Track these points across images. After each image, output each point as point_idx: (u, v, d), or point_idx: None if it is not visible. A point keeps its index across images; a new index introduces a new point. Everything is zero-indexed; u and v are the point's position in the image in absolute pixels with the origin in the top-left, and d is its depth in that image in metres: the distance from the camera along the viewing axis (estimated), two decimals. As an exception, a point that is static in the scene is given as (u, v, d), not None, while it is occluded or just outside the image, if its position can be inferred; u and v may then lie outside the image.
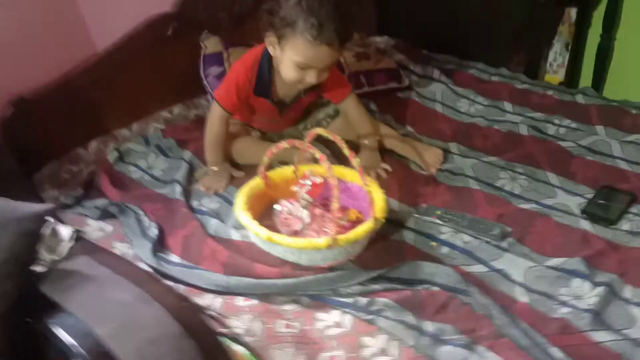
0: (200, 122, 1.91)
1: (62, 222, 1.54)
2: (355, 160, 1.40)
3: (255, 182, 1.57)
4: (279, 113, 1.81)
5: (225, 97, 1.72)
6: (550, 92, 2.12)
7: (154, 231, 1.54)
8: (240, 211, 1.44)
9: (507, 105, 2.07)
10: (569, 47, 2.51)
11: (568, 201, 1.58)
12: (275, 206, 1.55)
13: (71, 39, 1.87)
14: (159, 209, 1.67)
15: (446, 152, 1.85)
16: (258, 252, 1.44)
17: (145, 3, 1.97)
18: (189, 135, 1.95)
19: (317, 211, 1.54)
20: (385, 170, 1.76)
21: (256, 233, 1.39)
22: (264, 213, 1.58)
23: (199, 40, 2.09)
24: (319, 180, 1.54)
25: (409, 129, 2.00)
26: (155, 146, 1.93)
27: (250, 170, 1.74)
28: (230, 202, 1.68)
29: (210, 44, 2.09)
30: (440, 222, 1.55)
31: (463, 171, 1.76)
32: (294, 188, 1.56)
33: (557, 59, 2.58)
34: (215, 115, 1.74)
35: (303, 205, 1.52)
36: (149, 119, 2.03)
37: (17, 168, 1.66)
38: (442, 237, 1.51)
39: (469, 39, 2.43)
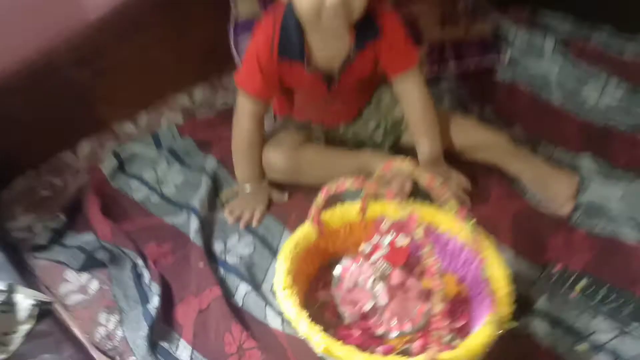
0: (229, 113, 1.37)
1: (26, 277, 1.07)
2: (469, 224, 0.87)
3: (305, 232, 1.06)
4: (327, 87, 1.26)
5: (247, 78, 1.21)
6: None
7: (155, 301, 1.05)
8: (284, 294, 0.93)
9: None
10: None
11: None
12: (336, 271, 1.04)
13: (54, 4, 1.33)
14: (166, 254, 1.17)
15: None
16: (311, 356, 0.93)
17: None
18: (214, 134, 1.43)
19: (396, 278, 1.02)
20: (465, 191, 1.24)
21: (307, 336, 0.88)
22: (320, 276, 1.07)
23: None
24: (403, 241, 1.01)
25: (518, 129, 1.42)
26: (168, 150, 1.42)
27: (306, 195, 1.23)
28: (269, 246, 1.17)
29: (244, 5, 1.53)
30: (588, 303, 1.01)
31: (607, 207, 1.20)
32: (364, 248, 1.04)
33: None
34: (242, 110, 1.24)
35: (378, 276, 1.00)
36: (162, 108, 1.50)
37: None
38: (597, 336, 0.97)
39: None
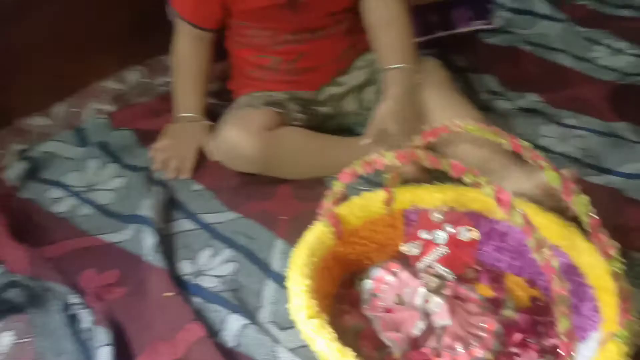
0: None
1: None
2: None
3: (319, 235, 0.74)
4: (292, 9, 0.97)
5: None
6: None
7: (103, 355, 0.70)
8: (311, 325, 0.62)
9: (674, 55, 1.28)
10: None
11: None
12: (367, 283, 0.74)
13: None
14: (112, 286, 0.83)
15: (614, 137, 1.06)
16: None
17: None
18: (158, 122, 1.09)
19: (449, 288, 0.73)
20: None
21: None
22: (341, 295, 0.77)
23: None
24: (469, 235, 0.72)
25: (534, 97, 1.18)
26: (98, 145, 1.06)
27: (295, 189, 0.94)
28: (256, 261, 0.85)
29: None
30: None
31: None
32: (408, 248, 0.74)
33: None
34: (178, 34, 1.06)
35: (432, 288, 0.70)
36: (83, 96, 1.14)
37: None
38: None
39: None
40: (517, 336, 0.71)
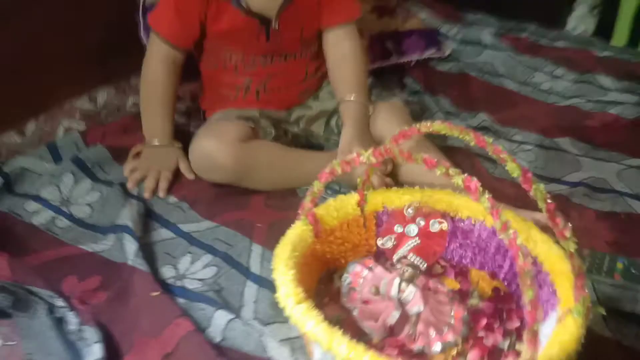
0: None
1: None
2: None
3: (300, 233, 0.79)
4: (265, 35, 1.05)
5: (160, 17, 1.04)
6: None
7: (95, 352, 0.72)
8: (299, 310, 0.66)
9: (605, 80, 1.41)
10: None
11: None
12: (345, 277, 0.79)
13: None
14: (95, 291, 0.85)
15: (558, 151, 1.17)
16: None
17: None
18: (131, 139, 1.12)
19: (420, 280, 0.79)
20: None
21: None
22: (320, 290, 0.81)
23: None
24: (438, 226, 0.79)
25: (484, 117, 1.28)
26: (73, 161, 1.08)
27: (266, 199, 0.99)
28: (235, 265, 0.89)
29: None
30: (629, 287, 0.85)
31: (609, 184, 1.08)
32: (383, 242, 0.80)
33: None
34: (152, 53, 1.06)
35: (406, 278, 0.76)
36: (56, 113, 1.17)
37: None
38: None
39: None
40: (483, 321, 0.78)
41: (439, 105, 1.33)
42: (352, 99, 1.06)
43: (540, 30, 1.66)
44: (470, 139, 0.69)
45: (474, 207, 0.85)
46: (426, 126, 0.73)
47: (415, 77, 1.42)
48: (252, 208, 1.01)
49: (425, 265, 0.78)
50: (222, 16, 1.01)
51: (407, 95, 1.35)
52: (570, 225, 0.65)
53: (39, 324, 0.78)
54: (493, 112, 1.29)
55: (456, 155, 1.10)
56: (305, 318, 0.65)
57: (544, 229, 0.85)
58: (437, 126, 0.71)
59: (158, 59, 1.05)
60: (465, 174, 0.64)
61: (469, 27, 1.60)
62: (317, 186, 0.78)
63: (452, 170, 0.65)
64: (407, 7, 1.60)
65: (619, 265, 0.89)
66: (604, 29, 1.78)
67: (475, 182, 0.63)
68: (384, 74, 1.39)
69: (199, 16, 1.01)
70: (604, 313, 0.73)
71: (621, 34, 1.80)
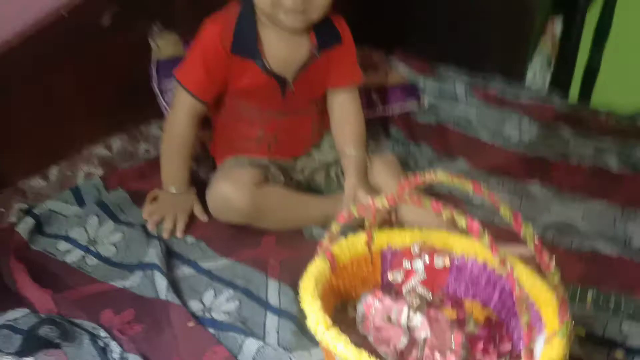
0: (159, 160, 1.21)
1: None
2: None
3: (319, 268, 0.91)
4: (281, 93, 1.17)
5: (188, 72, 1.14)
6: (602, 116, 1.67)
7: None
8: (330, 334, 0.77)
9: (566, 131, 1.58)
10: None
11: None
12: (359, 307, 0.90)
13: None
14: (131, 324, 0.94)
15: (529, 197, 1.32)
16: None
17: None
18: (148, 184, 1.22)
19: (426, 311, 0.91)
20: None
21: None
22: (336, 319, 0.92)
23: (147, 38, 1.37)
24: (442, 262, 0.92)
25: (462, 163, 1.43)
26: (96, 204, 1.17)
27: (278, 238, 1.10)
28: (256, 298, 0.99)
29: (165, 44, 1.38)
30: (607, 313, 0.99)
31: (576, 226, 1.23)
32: (394, 277, 0.92)
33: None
34: (179, 105, 1.15)
35: (415, 307, 0.88)
36: (75, 160, 1.26)
37: None
38: (630, 342, 0.95)
39: (477, 44, 1.92)
40: (480, 345, 0.90)
41: (421, 152, 1.47)
42: (353, 153, 1.20)
43: (505, 84, 1.83)
44: (470, 187, 0.82)
45: (466, 245, 0.98)
46: (430, 176, 0.86)
47: (398, 126, 1.56)
48: (264, 246, 1.11)
49: (431, 296, 0.90)
50: (245, 74, 1.12)
51: (392, 143, 1.49)
52: (553, 259, 0.78)
53: (85, 353, 0.86)
54: (470, 160, 1.44)
55: (442, 200, 1.24)
56: (336, 341, 0.76)
57: (528, 260, 1.00)
58: (441, 176, 0.84)
59: (183, 112, 1.14)
60: (467, 216, 0.77)
61: (444, 81, 1.76)
62: (335, 227, 0.90)
63: (456, 214, 0.78)
64: (388, 63, 1.77)
65: (589, 296, 1.04)
66: (560, 82, 2.01)
67: (476, 224, 0.76)
68: (370, 124, 1.52)
69: (224, 72, 1.12)
70: (583, 335, 0.85)
71: (575, 88, 2.02)
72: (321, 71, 1.20)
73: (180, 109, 1.15)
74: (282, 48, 1.15)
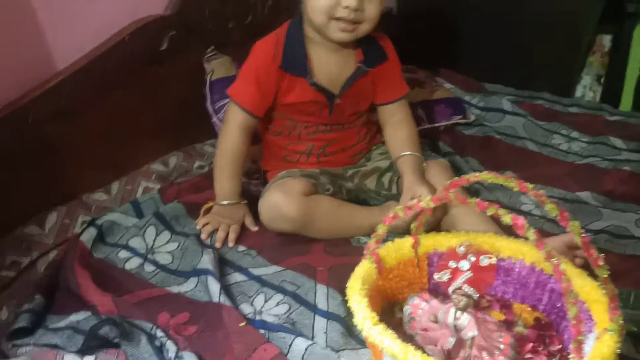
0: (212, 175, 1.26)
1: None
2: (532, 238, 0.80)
3: (366, 270, 0.93)
4: (329, 107, 1.22)
5: (242, 90, 1.19)
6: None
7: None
8: (377, 330, 0.79)
9: (616, 141, 1.57)
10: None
11: None
12: (406, 309, 0.92)
13: (21, 51, 1.16)
14: (186, 325, 0.97)
15: (580, 203, 1.30)
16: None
17: (130, 2, 1.31)
18: (203, 197, 1.27)
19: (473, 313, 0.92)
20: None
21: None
22: (382, 320, 0.94)
23: (202, 61, 1.45)
24: (487, 261, 0.92)
25: (511, 175, 1.43)
26: (154, 215, 1.23)
27: (326, 246, 1.12)
28: (304, 302, 1.02)
29: (219, 66, 1.45)
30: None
31: (629, 230, 1.21)
32: (440, 276, 0.93)
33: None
34: (232, 121, 1.19)
35: (461, 306, 0.89)
36: (135, 175, 1.33)
37: None
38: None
39: (524, 64, 1.92)
40: (528, 346, 0.90)
41: (468, 164, 1.48)
42: (408, 153, 1.23)
43: (554, 98, 1.83)
44: (514, 185, 0.83)
45: (513, 248, 0.99)
46: (475, 176, 0.88)
47: (444, 140, 1.58)
48: (313, 254, 1.14)
49: (477, 295, 0.91)
50: (294, 90, 1.17)
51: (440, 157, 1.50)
52: (601, 256, 0.78)
53: (143, 352, 0.91)
54: (517, 170, 1.44)
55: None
56: (383, 336, 0.78)
57: (573, 247, 0.99)
58: (485, 175, 0.86)
59: (236, 126, 1.18)
60: (512, 213, 0.78)
61: (490, 96, 1.77)
62: (382, 229, 0.92)
63: (501, 210, 0.79)
64: (434, 79, 1.80)
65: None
66: (611, 96, 1.98)
67: (522, 219, 0.77)
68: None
69: (275, 89, 1.17)
70: (635, 329, 0.84)
71: (627, 100, 1.98)
72: (366, 86, 1.24)
73: (233, 123, 1.19)
74: (330, 64, 1.19)
